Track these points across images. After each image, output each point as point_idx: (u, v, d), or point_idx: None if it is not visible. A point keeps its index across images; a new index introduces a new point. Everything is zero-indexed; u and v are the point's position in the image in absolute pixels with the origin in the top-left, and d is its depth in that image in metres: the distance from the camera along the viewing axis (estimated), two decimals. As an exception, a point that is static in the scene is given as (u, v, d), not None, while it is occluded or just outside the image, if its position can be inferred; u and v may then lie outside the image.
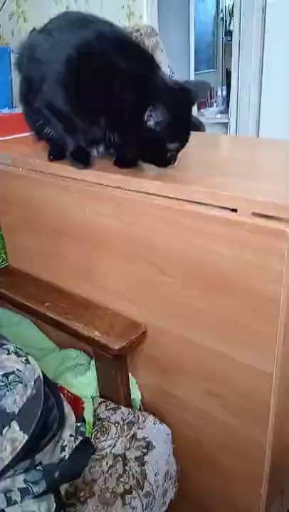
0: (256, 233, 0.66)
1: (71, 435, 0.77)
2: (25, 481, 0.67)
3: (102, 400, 0.95)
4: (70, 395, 0.91)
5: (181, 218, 0.74)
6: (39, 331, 1.17)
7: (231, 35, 3.48)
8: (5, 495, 0.65)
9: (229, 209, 0.70)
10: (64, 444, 0.75)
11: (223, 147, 1.19)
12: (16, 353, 0.77)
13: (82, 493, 0.78)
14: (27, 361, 0.75)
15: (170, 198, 0.76)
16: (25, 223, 1.04)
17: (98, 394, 0.97)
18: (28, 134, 1.05)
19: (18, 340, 0.85)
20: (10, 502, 0.64)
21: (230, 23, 4.59)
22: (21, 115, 1.19)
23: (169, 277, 0.81)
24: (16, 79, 1.27)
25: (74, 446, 0.76)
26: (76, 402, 0.89)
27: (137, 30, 1.85)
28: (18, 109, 1.31)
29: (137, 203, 0.79)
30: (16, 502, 0.65)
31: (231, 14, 4.43)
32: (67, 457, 0.73)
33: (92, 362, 0.99)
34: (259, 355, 0.74)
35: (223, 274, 0.73)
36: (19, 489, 0.66)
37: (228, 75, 4.02)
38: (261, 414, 0.78)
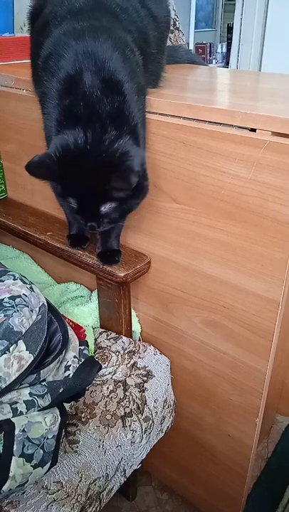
0: (276, 152, 0.64)
1: (75, 356, 0.77)
2: (30, 394, 0.67)
3: (103, 330, 0.95)
4: (71, 323, 0.90)
5: (196, 139, 0.72)
6: (37, 265, 1.15)
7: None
8: (11, 406, 0.65)
9: (248, 129, 0.68)
10: (68, 364, 0.75)
11: (233, 77, 1.16)
12: (21, 279, 0.76)
13: (83, 415, 0.79)
14: (31, 289, 0.74)
15: (185, 118, 0.74)
16: (27, 149, 0.99)
17: (99, 325, 0.97)
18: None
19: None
20: (16, 413, 0.64)
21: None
22: (23, 40, 1.13)
23: (179, 204, 0.80)
24: (19, 1, 1.20)
25: (77, 366, 0.76)
26: (77, 330, 0.88)
27: None
28: (20, 34, 1.24)
29: (149, 123, 0.76)
30: (21, 413, 0.65)
31: None
32: (71, 376, 0.73)
33: (94, 294, 0.98)
34: (268, 282, 0.73)
35: (237, 199, 0.71)
36: (25, 401, 0.66)
37: (228, 30, 3.90)
38: (263, 343, 0.79)
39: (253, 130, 0.67)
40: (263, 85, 0.97)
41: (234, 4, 3.28)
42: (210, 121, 0.71)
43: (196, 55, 1.38)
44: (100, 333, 0.94)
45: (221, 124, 0.70)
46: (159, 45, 0.86)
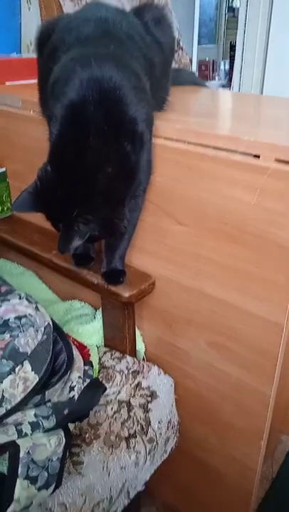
0: (279, 179, 0.66)
1: (79, 377, 0.77)
2: (35, 415, 0.67)
3: (107, 349, 0.96)
4: (75, 342, 0.90)
5: (201, 163, 0.73)
6: (42, 282, 1.16)
7: (234, 11, 3.40)
8: (16, 427, 0.65)
9: (252, 155, 0.69)
10: (73, 384, 0.75)
11: (236, 101, 1.17)
12: (27, 299, 0.77)
13: (87, 435, 0.79)
14: (37, 308, 0.75)
15: (190, 143, 0.75)
16: (33, 168, 1.01)
17: (103, 344, 0.97)
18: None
19: (21, 291, 0.84)
20: (21, 434, 0.65)
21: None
22: (30, 60, 1.15)
23: (183, 226, 0.81)
24: (26, 22, 1.23)
25: (82, 387, 0.76)
26: (82, 350, 0.89)
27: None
28: (27, 54, 1.27)
29: (154, 147, 0.78)
30: (26, 434, 0.65)
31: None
32: (76, 397, 0.73)
33: (98, 312, 0.99)
34: (271, 305, 0.74)
35: (240, 223, 0.72)
36: (30, 423, 0.66)
37: (231, 48, 3.96)
38: (268, 365, 0.79)
39: (257, 156, 0.69)
40: (266, 111, 0.99)
41: (237, 21, 3.33)
42: (214, 147, 0.73)
43: (198, 77, 1.40)
44: (104, 353, 0.94)
45: (225, 149, 0.72)
46: (164, 69, 0.88)
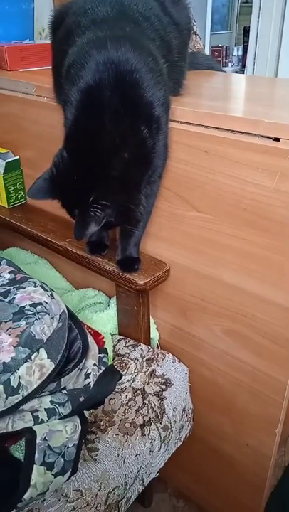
0: (300, 162, 0.64)
1: (94, 364, 0.77)
2: (51, 402, 0.67)
3: (122, 337, 0.95)
4: (90, 330, 0.90)
5: (219, 147, 0.72)
6: (56, 271, 1.15)
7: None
8: (32, 414, 0.65)
9: (271, 138, 0.67)
10: (88, 372, 0.75)
11: (252, 84, 1.15)
12: (42, 286, 0.76)
13: (102, 422, 0.79)
14: (52, 296, 0.75)
15: (207, 127, 0.73)
16: (47, 156, 1.00)
17: (117, 332, 0.97)
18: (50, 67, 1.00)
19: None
20: (37, 421, 0.65)
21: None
22: (43, 46, 1.14)
23: (199, 213, 0.79)
24: (38, 8, 1.21)
25: (97, 374, 0.76)
26: (96, 337, 0.89)
27: None
28: (40, 40, 1.25)
29: (171, 131, 0.76)
30: (42, 421, 0.65)
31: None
32: (91, 384, 0.73)
33: (112, 300, 0.98)
34: (290, 292, 0.73)
35: (258, 208, 0.71)
36: (46, 409, 0.66)
37: (244, 33, 3.89)
38: (284, 353, 0.78)
39: (277, 139, 0.67)
40: (283, 92, 0.96)
41: (250, 6, 3.26)
42: (232, 130, 0.71)
43: (214, 61, 1.37)
44: (119, 340, 0.94)
45: (243, 133, 0.70)
46: (181, 52, 0.86)
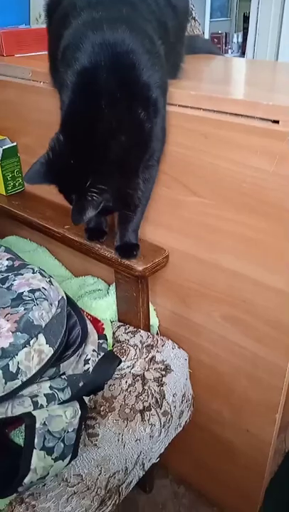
0: (300, 145, 0.63)
1: (94, 350, 0.77)
2: (50, 388, 0.67)
3: (121, 323, 0.95)
4: (89, 316, 0.90)
5: (217, 131, 0.71)
6: (55, 258, 1.15)
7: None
8: (31, 399, 0.65)
9: (270, 120, 0.66)
10: (87, 357, 0.75)
11: (252, 68, 1.13)
12: (40, 273, 0.76)
13: (102, 408, 0.79)
14: (50, 282, 0.74)
15: (206, 109, 0.72)
16: (44, 142, 0.99)
17: (117, 319, 0.97)
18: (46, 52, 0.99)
19: (34, 266, 0.83)
20: (36, 406, 0.65)
21: None
22: (39, 31, 1.12)
23: (198, 197, 0.79)
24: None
25: (96, 360, 0.76)
26: (96, 324, 0.88)
27: None
28: (36, 25, 1.24)
29: (168, 114, 0.75)
30: (42, 406, 0.65)
31: None
32: (91, 369, 0.73)
33: (111, 287, 0.98)
34: (289, 277, 0.72)
35: (258, 192, 0.70)
36: (45, 395, 0.66)
37: (244, 20, 3.84)
38: (284, 338, 0.78)
39: (276, 122, 0.66)
40: (284, 76, 0.95)
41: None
42: (231, 113, 0.70)
43: (213, 45, 1.35)
44: (118, 327, 0.94)
45: (242, 115, 0.69)
46: (178, 35, 0.85)
